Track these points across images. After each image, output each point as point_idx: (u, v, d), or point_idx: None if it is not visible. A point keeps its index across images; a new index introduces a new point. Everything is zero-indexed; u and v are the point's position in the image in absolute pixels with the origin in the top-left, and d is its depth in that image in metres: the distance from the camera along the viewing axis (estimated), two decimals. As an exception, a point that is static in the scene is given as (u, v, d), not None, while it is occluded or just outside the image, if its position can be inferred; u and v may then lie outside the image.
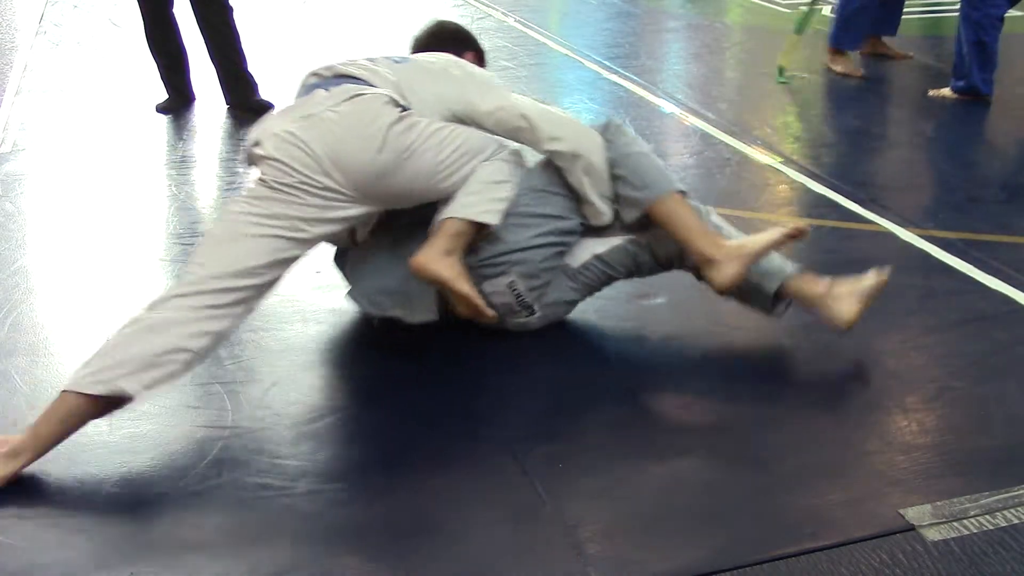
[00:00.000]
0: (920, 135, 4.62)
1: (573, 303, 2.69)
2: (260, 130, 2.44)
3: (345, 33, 6.36)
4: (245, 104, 4.70)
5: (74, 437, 2.25)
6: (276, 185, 2.33)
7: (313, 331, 2.77)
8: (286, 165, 2.34)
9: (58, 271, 3.09)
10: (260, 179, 2.38)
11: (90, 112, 4.74)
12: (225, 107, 4.75)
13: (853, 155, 4.23)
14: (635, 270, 2.67)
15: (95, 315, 2.81)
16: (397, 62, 2.63)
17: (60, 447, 2.21)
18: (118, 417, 2.32)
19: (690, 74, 5.59)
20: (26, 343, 2.68)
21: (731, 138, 4.30)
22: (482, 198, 2.47)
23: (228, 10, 4.67)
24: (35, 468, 2.15)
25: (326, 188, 2.35)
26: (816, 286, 2.55)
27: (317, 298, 2.96)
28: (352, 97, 2.42)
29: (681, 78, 5.46)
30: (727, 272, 2.51)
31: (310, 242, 2.42)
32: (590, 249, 2.63)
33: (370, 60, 2.61)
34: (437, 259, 2.44)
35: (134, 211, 3.59)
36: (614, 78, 5.31)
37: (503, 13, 6.96)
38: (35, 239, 3.31)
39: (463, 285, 2.46)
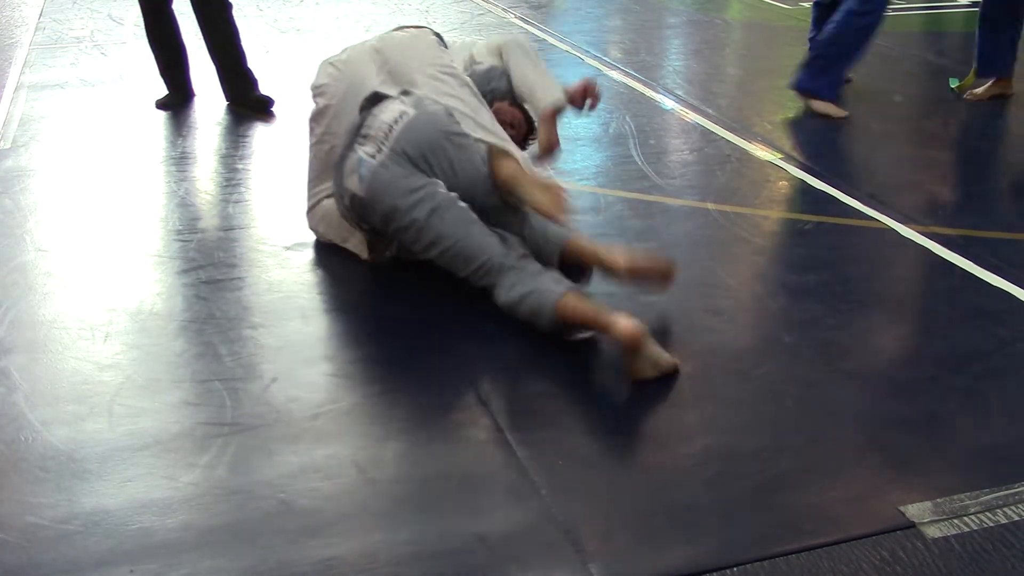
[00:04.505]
0: (921, 131, 4.61)
1: (397, 202, 2.76)
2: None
3: (346, 30, 6.35)
4: (245, 100, 4.70)
5: (73, 434, 2.25)
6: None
7: (312, 328, 2.76)
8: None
9: (57, 268, 3.09)
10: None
11: (90, 108, 4.74)
12: (225, 103, 4.74)
13: (854, 151, 4.22)
14: None
15: (94, 312, 2.80)
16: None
17: (59, 445, 2.21)
18: (118, 414, 2.33)
19: (690, 70, 5.58)
20: (25, 340, 2.67)
21: (731, 134, 4.30)
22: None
23: (227, 7, 4.66)
24: (34, 465, 2.15)
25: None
26: (590, 243, 2.83)
27: (316, 295, 2.96)
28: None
29: (681, 74, 5.46)
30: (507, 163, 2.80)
31: None
32: None
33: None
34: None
35: (133, 207, 3.59)
36: (615, 74, 5.31)
37: (503, 9, 6.95)
38: (34, 236, 3.31)
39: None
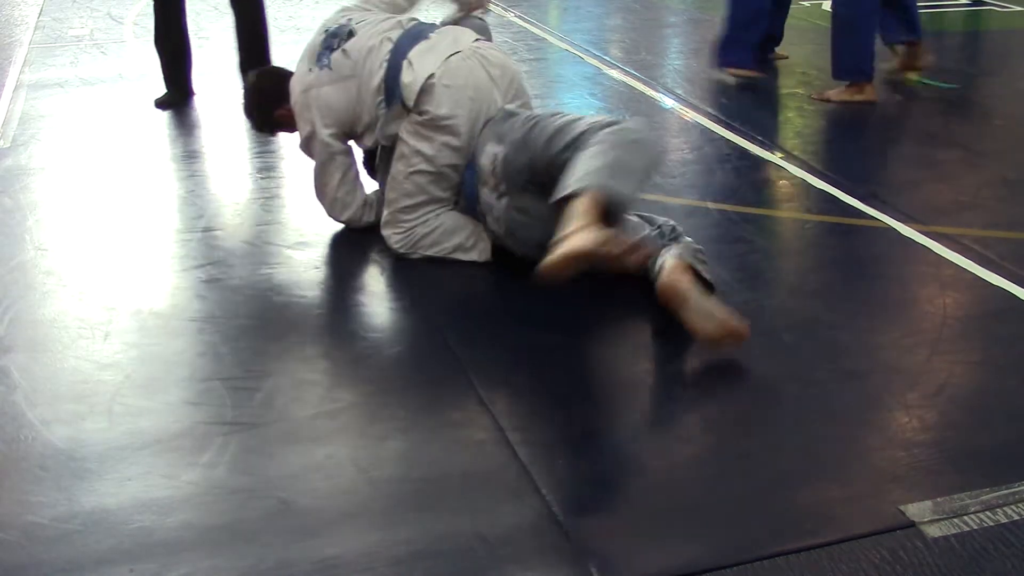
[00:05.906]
0: (921, 131, 4.61)
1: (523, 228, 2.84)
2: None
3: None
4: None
5: (74, 433, 2.25)
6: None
7: (313, 327, 2.76)
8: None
9: (57, 267, 3.09)
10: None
11: (89, 107, 4.74)
12: (225, 103, 4.74)
13: (854, 151, 4.22)
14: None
15: (94, 311, 2.80)
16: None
17: (59, 444, 2.21)
18: (118, 413, 2.33)
19: (690, 69, 5.58)
20: (25, 339, 2.67)
21: (731, 133, 4.30)
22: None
23: (262, 7, 4.72)
24: (34, 464, 2.15)
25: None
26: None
27: (317, 294, 2.96)
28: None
29: (681, 73, 5.46)
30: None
31: None
32: None
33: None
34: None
35: (134, 206, 3.59)
36: (614, 73, 5.31)
37: (504, 8, 6.95)
38: (34, 234, 3.31)
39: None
